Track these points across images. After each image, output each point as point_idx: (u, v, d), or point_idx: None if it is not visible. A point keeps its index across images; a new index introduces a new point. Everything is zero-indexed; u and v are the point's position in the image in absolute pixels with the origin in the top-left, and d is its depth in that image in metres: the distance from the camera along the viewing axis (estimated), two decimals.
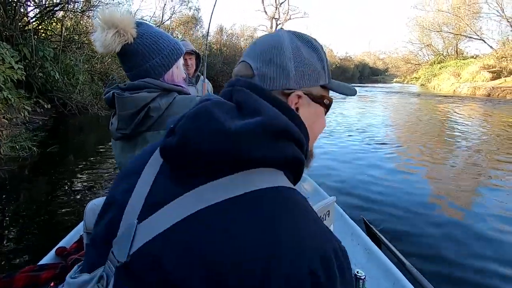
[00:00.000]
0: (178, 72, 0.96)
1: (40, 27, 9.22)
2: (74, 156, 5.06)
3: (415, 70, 31.35)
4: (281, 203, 0.36)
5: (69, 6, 9.77)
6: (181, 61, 0.96)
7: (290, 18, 39.46)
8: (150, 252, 0.34)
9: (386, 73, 44.31)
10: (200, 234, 0.33)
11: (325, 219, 1.31)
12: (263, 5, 38.14)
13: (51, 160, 4.74)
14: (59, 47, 8.66)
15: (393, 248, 1.94)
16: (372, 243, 1.73)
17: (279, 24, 38.83)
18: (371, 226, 2.31)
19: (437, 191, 3.58)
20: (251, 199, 0.35)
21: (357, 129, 7.39)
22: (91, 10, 10.54)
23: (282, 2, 38.37)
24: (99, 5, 10.25)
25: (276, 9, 38.18)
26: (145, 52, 0.87)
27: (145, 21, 0.95)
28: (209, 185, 0.36)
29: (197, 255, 0.32)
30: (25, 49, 7.29)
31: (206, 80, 2.33)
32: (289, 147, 0.40)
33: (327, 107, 0.52)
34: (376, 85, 28.62)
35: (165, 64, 0.90)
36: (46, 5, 9.40)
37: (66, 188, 3.66)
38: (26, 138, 5.15)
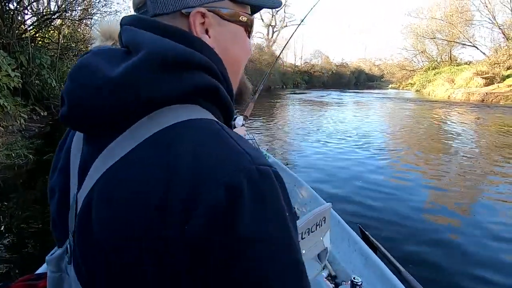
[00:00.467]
0: None
1: (37, 35, 9.25)
2: None
3: (410, 76, 31.73)
4: (183, 131, 0.33)
5: (67, 14, 9.83)
6: None
7: (286, 25, 39.93)
8: (83, 216, 0.35)
9: (382, 79, 44.72)
10: (111, 189, 0.33)
11: (321, 225, 1.33)
12: (260, 12, 38.56)
13: (47, 167, 4.66)
14: (56, 55, 8.70)
15: (388, 255, 1.96)
16: (369, 249, 1.75)
17: (276, 31, 39.30)
18: (367, 233, 2.32)
19: (433, 198, 3.62)
20: (155, 139, 0.32)
21: (354, 135, 7.44)
22: (88, 18, 10.62)
23: (278, 10, 38.85)
24: (96, 13, 10.32)
25: (273, 16, 38.65)
26: None
27: None
28: (117, 140, 0.34)
29: (113, 209, 0.32)
30: (22, 56, 7.31)
31: None
32: (192, 76, 0.35)
33: (246, 26, 0.45)
34: (372, 91, 28.90)
35: None
36: (44, 14, 9.46)
37: None
38: (22, 145, 5.13)
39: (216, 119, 0.36)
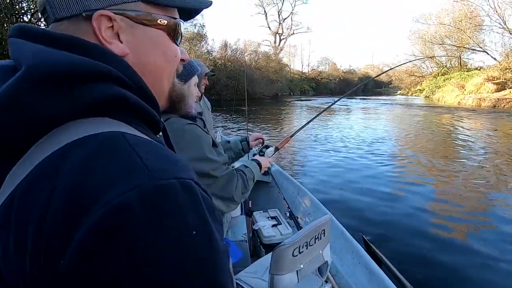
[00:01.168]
0: (189, 91, 0.97)
1: None
2: None
3: (418, 83, 31.35)
4: (75, 150, 0.29)
5: None
6: (193, 81, 0.98)
7: (293, 33, 40.26)
8: None
9: (390, 86, 44.31)
10: (10, 217, 0.29)
11: (321, 238, 1.29)
12: (267, 21, 39.01)
13: None
14: None
15: (393, 268, 1.89)
16: (373, 262, 1.69)
17: (283, 39, 39.59)
18: (371, 244, 2.26)
19: (442, 209, 3.50)
20: (46, 163, 0.29)
21: (361, 142, 7.35)
22: None
23: (286, 18, 39.28)
24: None
25: (280, 24, 39.03)
26: None
27: None
28: (16, 166, 0.31)
29: (3, 242, 0.29)
30: None
31: (205, 98, 2.39)
32: (87, 88, 0.31)
33: (168, 30, 0.41)
34: (380, 97, 28.63)
35: None
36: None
37: None
38: None
39: (124, 131, 0.32)
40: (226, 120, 11.27)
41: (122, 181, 0.27)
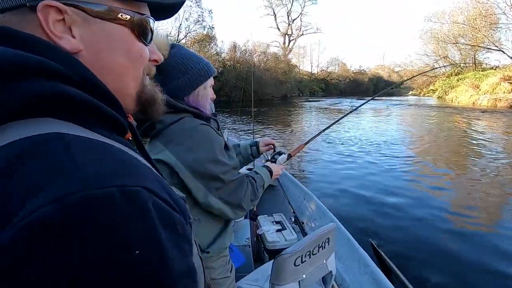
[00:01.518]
0: (204, 93, 0.97)
1: None
2: None
3: (431, 83, 30.69)
4: (12, 152, 0.26)
5: None
6: (209, 82, 0.98)
7: (302, 34, 40.06)
8: None
9: (402, 86, 43.59)
10: None
11: (324, 247, 1.24)
12: (276, 22, 38.97)
13: None
14: None
15: (403, 277, 1.81)
16: (381, 272, 1.62)
17: (292, 40, 39.45)
18: (380, 251, 2.18)
19: (457, 215, 3.36)
20: None
21: (371, 144, 7.21)
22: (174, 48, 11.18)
23: (295, 19, 39.13)
24: (174, 44, 10.83)
25: (289, 25, 38.90)
26: (171, 72, 0.91)
27: (178, 44, 0.99)
28: None
29: None
30: None
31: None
32: (20, 86, 0.28)
33: (133, 26, 0.38)
34: (391, 98, 28.11)
35: (189, 84, 0.93)
36: None
37: None
38: None
39: (66, 132, 0.28)
40: (234, 122, 11.27)
41: (43, 191, 0.23)
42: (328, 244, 1.25)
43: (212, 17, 30.06)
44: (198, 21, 19.36)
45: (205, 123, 0.93)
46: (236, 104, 15.93)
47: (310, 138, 1.64)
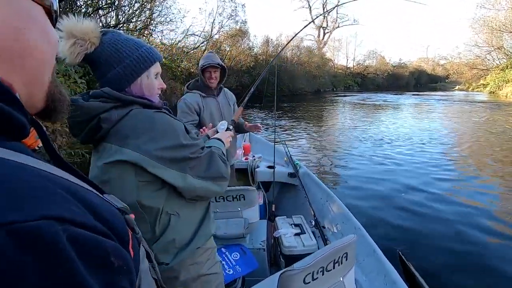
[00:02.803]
0: (148, 82, 0.86)
1: None
2: None
3: (482, 76, 27.91)
4: None
5: (130, 26, 10.88)
6: (153, 70, 0.87)
7: (338, 26, 38.56)
8: None
9: (447, 80, 40.29)
10: None
11: (342, 263, 1.07)
12: (311, 14, 37.90)
13: (81, 168, 5.15)
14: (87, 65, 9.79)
15: None
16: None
17: (327, 32, 38.14)
18: (409, 264, 1.94)
19: (503, 229, 2.93)
20: None
21: (407, 142, 6.68)
22: (146, 29, 11.59)
23: (330, 11, 37.75)
24: (152, 23, 11.16)
25: (324, 18, 37.62)
26: (106, 61, 0.81)
27: (114, 30, 0.89)
28: None
29: None
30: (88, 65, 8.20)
31: (229, 92, 2.26)
32: None
33: (44, 5, 0.32)
34: (434, 93, 26.00)
35: (127, 74, 0.82)
36: (111, 25, 10.57)
37: None
38: (82, 146, 5.68)
39: None
40: (262, 116, 11.14)
41: None
42: (346, 260, 1.09)
43: (245, 12, 30.02)
44: (231, 15, 19.37)
45: (159, 110, 0.85)
46: (267, 99, 15.77)
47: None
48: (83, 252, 0.20)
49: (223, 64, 2.07)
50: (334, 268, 1.05)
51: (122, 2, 10.64)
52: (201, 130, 1.57)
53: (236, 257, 1.70)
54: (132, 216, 0.42)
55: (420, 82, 42.88)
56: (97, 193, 0.34)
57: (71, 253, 0.19)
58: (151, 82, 0.87)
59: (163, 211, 0.84)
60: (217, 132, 1.24)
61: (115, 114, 0.78)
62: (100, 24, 10.56)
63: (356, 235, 1.13)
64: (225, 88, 2.25)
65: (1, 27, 0.27)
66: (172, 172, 0.80)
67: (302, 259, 1.01)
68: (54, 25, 0.34)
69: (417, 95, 22.59)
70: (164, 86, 0.92)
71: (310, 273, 0.98)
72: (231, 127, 1.28)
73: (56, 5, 0.34)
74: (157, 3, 12.81)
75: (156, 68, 0.87)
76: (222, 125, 1.26)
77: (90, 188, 0.33)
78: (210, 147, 0.97)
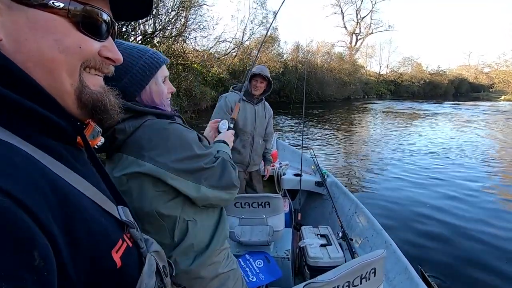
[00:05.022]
0: (157, 88, 0.85)
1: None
2: None
3: None
4: None
5: (165, 33, 11.44)
6: (161, 75, 0.86)
7: (372, 32, 37.51)
8: None
9: (491, 90, 37.38)
10: None
11: (369, 279, 1.03)
12: (343, 20, 37.30)
13: None
14: None
15: None
16: None
17: (360, 39, 37.24)
18: (433, 284, 1.80)
19: None
20: None
21: (443, 155, 6.28)
22: (180, 36, 12.10)
23: (364, 17, 36.85)
24: (186, 31, 11.64)
25: (357, 23, 36.84)
26: (113, 74, 0.83)
27: (116, 39, 0.92)
28: None
29: None
30: None
31: (268, 105, 2.35)
32: None
33: (72, 16, 0.34)
34: (477, 103, 24.19)
35: (135, 83, 0.82)
36: (148, 33, 11.20)
37: None
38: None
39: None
40: (292, 124, 11.07)
41: None
42: (375, 276, 1.04)
43: (276, 19, 30.11)
44: (262, 22, 19.59)
45: (172, 121, 0.85)
46: (295, 105, 15.66)
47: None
48: (6, 229, 0.22)
49: (270, 79, 2.19)
50: (361, 283, 1.01)
51: (160, 11, 11.22)
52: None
53: (260, 265, 1.69)
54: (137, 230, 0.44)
55: (460, 91, 40.25)
56: (98, 203, 0.37)
57: None
58: (160, 88, 0.86)
59: (181, 218, 0.86)
60: (218, 131, 1.24)
61: (129, 125, 0.78)
62: (139, 32, 11.20)
63: (385, 251, 1.08)
64: (266, 102, 2.34)
65: (6, 40, 0.31)
66: (187, 183, 0.82)
67: (327, 272, 0.99)
68: (96, 33, 0.37)
69: (458, 104, 21.19)
70: (174, 89, 0.91)
71: (335, 286, 0.95)
72: (231, 125, 1.29)
73: (102, 17, 0.37)
74: (192, 11, 13.35)
75: (163, 72, 0.87)
76: (223, 124, 1.24)
77: (93, 198, 0.36)
78: (218, 152, 0.99)
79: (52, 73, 0.34)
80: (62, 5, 0.34)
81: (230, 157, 1.01)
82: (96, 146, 0.46)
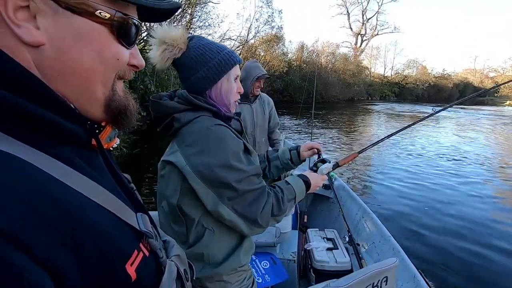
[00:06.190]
0: (228, 85, 0.87)
1: (145, 47, 10.91)
2: (155, 158, 5.68)
3: None
4: None
5: None
6: (233, 73, 0.87)
7: (377, 34, 37.31)
8: None
9: (496, 95, 37.14)
10: None
11: (381, 287, 1.02)
12: (349, 21, 37.12)
13: (136, 160, 5.45)
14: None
15: None
16: None
17: (365, 40, 37.06)
18: (431, 284, 1.79)
19: None
20: None
21: (446, 160, 6.25)
22: (188, 32, 12.15)
23: (370, 18, 36.65)
24: (192, 27, 11.62)
25: (363, 24, 36.65)
26: (191, 64, 0.84)
27: (199, 35, 0.92)
28: None
29: None
30: None
31: (265, 96, 2.29)
32: None
33: (112, 26, 0.34)
34: (481, 107, 24.03)
35: (210, 77, 0.84)
36: (153, 28, 11.18)
37: (143, 189, 4.07)
38: (121, 140, 6.03)
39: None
40: (295, 123, 11.05)
41: None
42: (386, 284, 1.03)
43: (281, 18, 30.06)
44: (268, 21, 19.53)
45: (222, 123, 0.82)
46: (298, 105, 15.64)
47: (366, 147, 1.32)
48: None
49: (267, 75, 2.15)
50: None
51: None
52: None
53: (265, 266, 1.68)
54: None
55: (464, 95, 39.93)
56: (114, 212, 0.35)
57: None
58: (231, 85, 0.88)
59: (199, 223, 0.83)
60: (315, 166, 1.10)
61: (186, 116, 0.81)
62: (144, 28, 11.22)
63: (397, 259, 1.07)
64: (262, 93, 2.27)
65: (49, 45, 0.31)
66: (208, 191, 0.78)
67: (340, 278, 0.98)
68: (129, 43, 0.37)
69: (462, 108, 21.05)
70: (242, 90, 0.92)
71: None
72: (331, 171, 1.12)
73: (135, 28, 0.36)
74: (198, 8, 13.32)
75: (236, 70, 0.89)
76: (327, 168, 1.08)
77: (108, 208, 0.35)
78: (286, 185, 0.91)
79: (87, 83, 0.34)
80: (108, 16, 0.33)
81: (291, 199, 0.90)
82: (111, 148, 0.45)
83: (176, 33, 0.80)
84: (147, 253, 0.39)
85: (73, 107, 0.35)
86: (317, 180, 1.01)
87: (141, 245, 0.39)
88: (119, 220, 0.36)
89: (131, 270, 0.34)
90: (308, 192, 0.97)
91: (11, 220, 0.23)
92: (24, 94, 0.29)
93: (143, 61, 0.42)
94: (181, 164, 0.79)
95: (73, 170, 0.32)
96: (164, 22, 0.83)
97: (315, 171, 1.06)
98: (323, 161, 1.10)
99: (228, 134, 0.80)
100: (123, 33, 0.35)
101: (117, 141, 0.46)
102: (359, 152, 1.29)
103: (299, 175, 0.99)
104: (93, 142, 0.38)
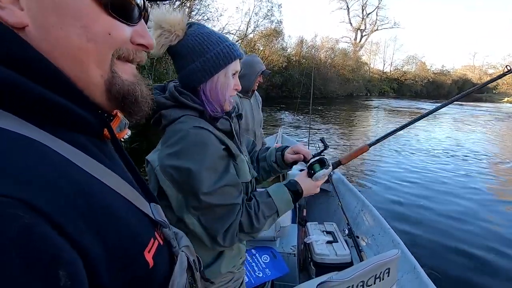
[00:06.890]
0: (224, 81, 0.78)
1: None
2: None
3: None
4: None
5: None
6: (232, 68, 0.79)
7: (377, 29, 37.14)
8: None
9: (494, 91, 37.23)
10: None
11: (383, 279, 1.02)
12: (349, 16, 36.91)
13: (134, 154, 5.42)
14: (155, 57, 9.98)
15: None
16: None
17: (365, 35, 36.91)
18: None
19: None
20: None
21: (446, 156, 6.27)
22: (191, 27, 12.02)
23: (370, 13, 36.44)
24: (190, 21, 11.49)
25: (363, 20, 36.46)
26: (187, 53, 0.77)
27: (199, 22, 0.85)
28: None
29: None
30: None
31: (256, 94, 2.26)
32: None
33: None
34: (480, 104, 24.12)
35: (206, 69, 0.76)
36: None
37: None
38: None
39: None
40: (293, 118, 11.03)
41: None
42: (388, 276, 1.03)
43: (281, 12, 29.79)
44: (267, 15, 19.38)
45: (204, 125, 0.74)
46: (297, 101, 15.62)
47: (375, 140, 1.19)
48: (28, 249, 0.19)
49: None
50: (374, 283, 1.00)
51: None
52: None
53: (266, 260, 1.68)
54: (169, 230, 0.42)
55: (463, 91, 40.03)
56: (131, 201, 0.35)
57: (15, 243, 0.19)
58: (228, 81, 0.79)
59: (181, 219, 0.76)
60: (312, 170, 0.90)
61: (172, 114, 0.76)
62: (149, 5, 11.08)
63: (399, 251, 1.07)
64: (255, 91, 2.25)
65: (33, 26, 0.29)
66: (177, 195, 0.74)
67: (342, 271, 0.97)
68: (127, 17, 0.34)
69: (461, 105, 21.09)
70: (240, 87, 0.84)
71: (350, 286, 0.94)
72: (331, 173, 0.95)
73: (136, 1, 0.34)
74: (197, 1, 13.17)
75: (235, 65, 0.80)
76: (323, 173, 0.89)
77: (126, 196, 0.34)
78: (266, 198, 0.81)
79: (79, 64, 0.31)
80: None
81: (269, 215, 0.80)
82: (122, 139, 0.44)
83: (174, 18, 0.73)
84: (161, 242, 0.39)
85: (86, 95, 0.33)
86: (310, 188, 0.88)
87: (156, 233, 0.38)
88: (136, 209, 0.36)
89: (149, 257, 0.34)
90: (300, 198, 0.87)
91: (37, 194, 0.22)
92: (39, 81, 0.28)
93: (153, 40, 0.39)
94: (155, 164, 0.76)
95: (90, 158, 0.31)
96: (164, 3, 0.80)
97: (312, 174, 0.89)
98: (321, 162, 0.91)
99: (207, 139, 0.73)
100: (116, 5, 0.32)
101: (128, 132, 0.45)
102: (370, 145, 1.19)
103: (287, 183, 0.87)
104: (105, 132, 0.36)
